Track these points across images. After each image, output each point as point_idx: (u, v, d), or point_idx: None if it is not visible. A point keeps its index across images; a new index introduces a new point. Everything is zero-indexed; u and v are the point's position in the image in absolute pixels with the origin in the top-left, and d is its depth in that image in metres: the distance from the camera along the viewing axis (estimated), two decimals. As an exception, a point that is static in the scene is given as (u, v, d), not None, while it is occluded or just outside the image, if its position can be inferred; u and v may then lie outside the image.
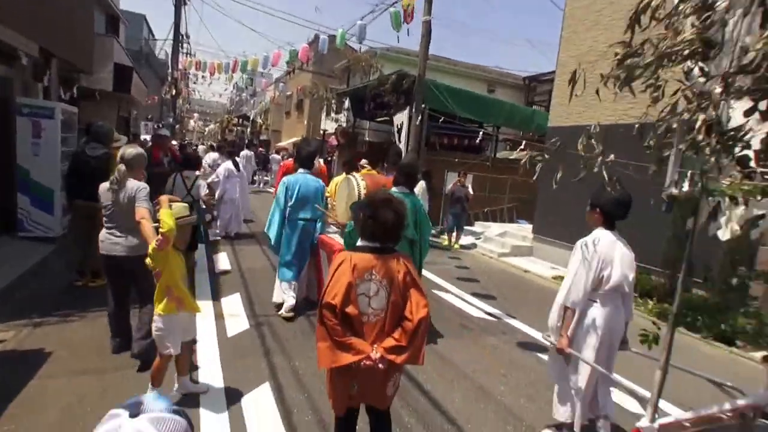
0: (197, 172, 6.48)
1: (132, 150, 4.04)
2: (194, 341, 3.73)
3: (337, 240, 5.54)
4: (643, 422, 2.23)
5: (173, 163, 8.88)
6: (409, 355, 2.43)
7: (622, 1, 8.65)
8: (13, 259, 6.21)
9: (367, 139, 17.59)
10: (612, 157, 2.42)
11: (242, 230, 9.84)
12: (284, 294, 5.58)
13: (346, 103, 17.86)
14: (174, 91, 22.53)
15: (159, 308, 3.24)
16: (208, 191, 6.13)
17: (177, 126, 28.95)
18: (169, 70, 23.54)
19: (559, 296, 3.36)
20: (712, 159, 1.97)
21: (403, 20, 11.38)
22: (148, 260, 3.18)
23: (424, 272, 8.29)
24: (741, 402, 2.16)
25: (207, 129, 45.65)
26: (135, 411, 0.99)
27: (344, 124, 18.22)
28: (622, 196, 3.10)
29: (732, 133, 1.93)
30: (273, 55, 16.14)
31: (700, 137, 1.97)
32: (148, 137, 13.02)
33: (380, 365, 2.38)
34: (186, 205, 3.38)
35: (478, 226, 13.33)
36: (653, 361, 2.33)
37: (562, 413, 3.43)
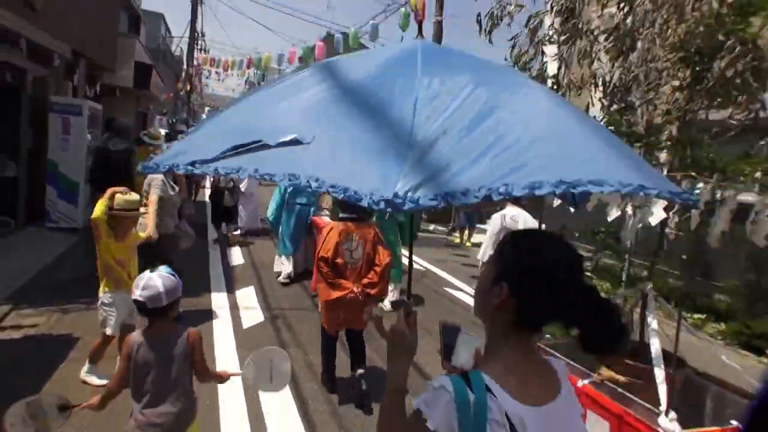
0: None
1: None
2: (134, 327, 3.56)
3: (326, 221, 6.51)
4: None
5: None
6: (379, 289, 3.74)
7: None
8: (41, 248, 6.48)
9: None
10: None
11: (257, 226, 9.54)
12: (282, 265, 6.74)
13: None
14: (189, 87, 22.87)
15: (103, 285, 3.54)
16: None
17: (190, 121, 29.36)
18: (185, 66, 23.86)
19: (479, 254, 4.49)
20: None
21: (414, 20, 11.40)
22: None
23: (435, 269, 8.44)
24: None
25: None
26: (152, 271, 2.12)
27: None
28: None
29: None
30: (289, 51, 16.24)
31: None
32: (163, 132, 13.22)
33: (360, 296, 3.61)
34: (135, 198, 3.59)
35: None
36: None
37: None
